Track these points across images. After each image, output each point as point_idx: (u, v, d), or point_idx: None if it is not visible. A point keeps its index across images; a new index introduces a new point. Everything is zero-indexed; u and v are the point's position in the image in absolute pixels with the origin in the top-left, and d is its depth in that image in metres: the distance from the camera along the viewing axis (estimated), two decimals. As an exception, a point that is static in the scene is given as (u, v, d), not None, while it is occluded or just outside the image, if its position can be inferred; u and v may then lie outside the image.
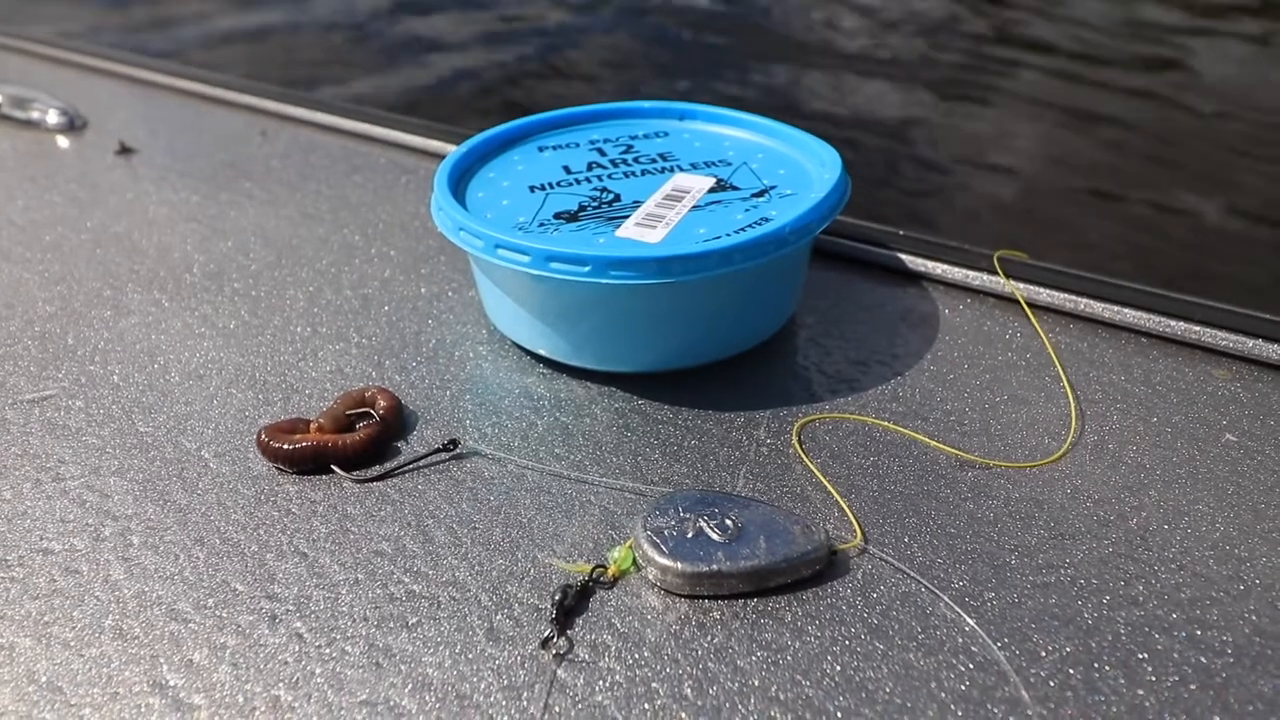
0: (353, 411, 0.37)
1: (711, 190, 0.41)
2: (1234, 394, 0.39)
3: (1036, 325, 0.43)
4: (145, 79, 0.78)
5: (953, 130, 1.11)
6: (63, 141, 0.67)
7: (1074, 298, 0.43)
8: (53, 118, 0.69)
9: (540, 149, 0.46)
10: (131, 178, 0.61)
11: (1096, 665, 0.27)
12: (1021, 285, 0.45)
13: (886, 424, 0.37)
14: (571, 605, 0.29)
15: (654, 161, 0.45)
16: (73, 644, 0.29)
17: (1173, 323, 0.42)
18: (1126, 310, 0.42)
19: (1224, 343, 0.41)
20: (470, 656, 0.28)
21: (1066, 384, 0.39)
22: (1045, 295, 0.44)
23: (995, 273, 0.45)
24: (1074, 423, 0.37)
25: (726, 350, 0.40)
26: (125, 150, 0.64)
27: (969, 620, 0.28)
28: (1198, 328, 0.41)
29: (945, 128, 1.12)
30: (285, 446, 0.35)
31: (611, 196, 0.41)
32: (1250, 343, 0.40)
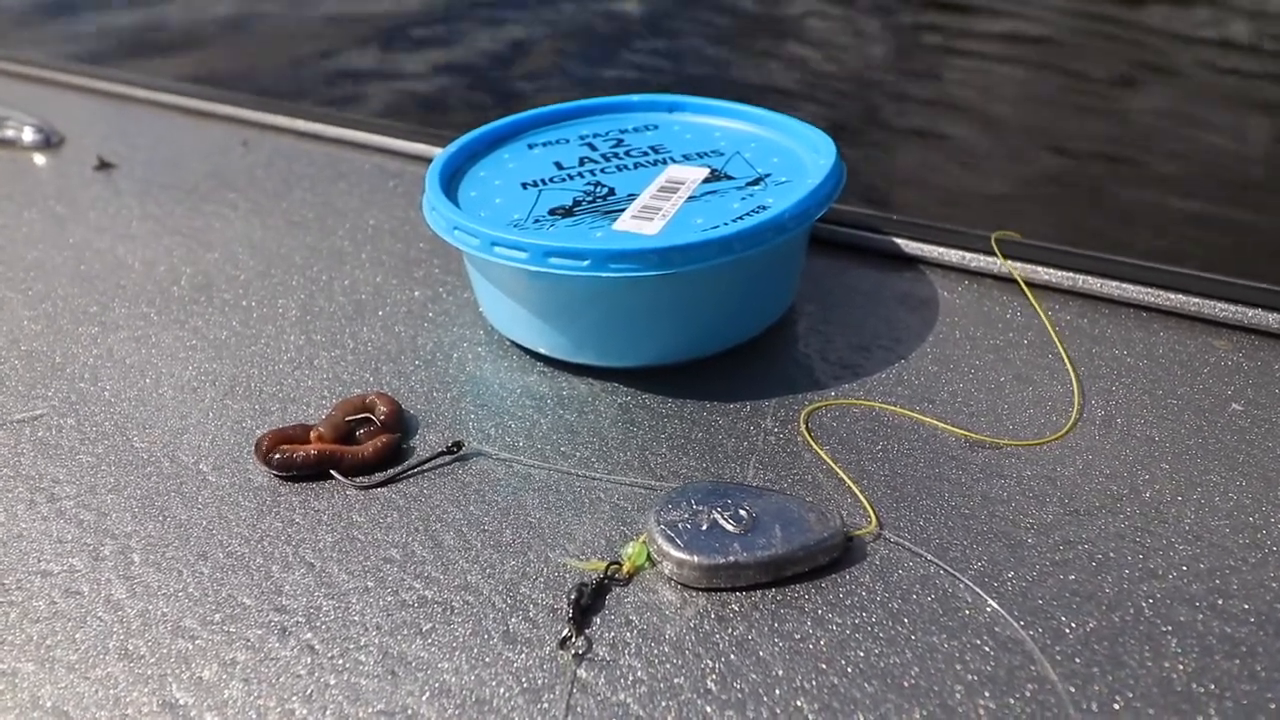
0: (352, 418, 0.37)
1: (706, 181, 0.41)
2: (1237, 364, 0.39)
3: (1035, 304, 0.43)
4: (121, 93, 0.77)
5: (943, 115, 1.12)
6: (39, 159, 0.66)
7: (1072, 275, 0.43)
8: (28, 135, 0.68)
9: (530, 146, 0.46)
10: (112, 193, 0.60)
11: (1121, 640, 0.27)
12: (1019, 265, 0.45)
13: (893, 408, 0.37)
14: (588, 604, 0.29)
15: (646, 154, 0.44)
16: (77, 667, 0.28)
17: (1172, 296, 0.42)
18: (1125, 285, 0.42)
19: (1223, 313, 0.41)
20: (488, 660, 0.27)
21: (1067, 361, 0.39)
22: (1044, 274, 0.44)
23: (992, 254, 0.45)
24: (1078, 399, 0.37)
25: (728, 341, 0.40)
26: (104, 165, 0.63)
27: (990, 601, 0.28)
28: (1196, 300, 0.41)
29: (936, 114, 1.12)
30: (295, 457, 0.34)
31: (605, 190, 0.41)
32: (1250, 312, 0.40)
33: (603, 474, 0.34)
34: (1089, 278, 0.43)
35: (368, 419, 0.37)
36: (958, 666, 0.26)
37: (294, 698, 0.26)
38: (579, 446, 0.36)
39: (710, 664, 0.27)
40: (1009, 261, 0.45)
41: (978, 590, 0.29)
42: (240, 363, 0.42)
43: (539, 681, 0.27)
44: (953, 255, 0.46)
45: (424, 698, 0.26)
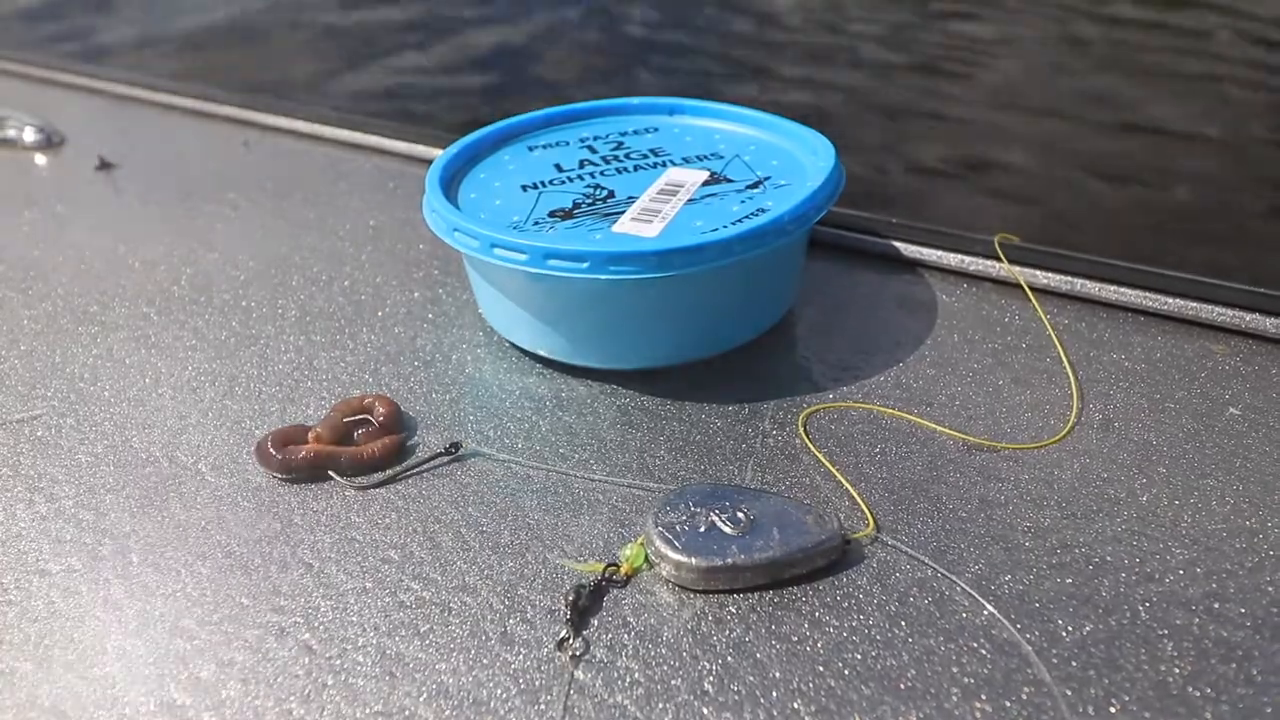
0: (351, 419, 0.37)
1: (705, 183, 0.41)
2: (1234, 368, 0.39)
3: (1037, 306, 0.43)
4: (122, 93, 0.77)
5: (942, 118, 1.12)
6: (40, 159, 0.66)
7: (1070, 279, 0.43)
8: (29, 135, 0.68)
9: (530, 148, 0.46)
10: (113, 192, 0.60)
11: (1118, 644, 0.27)
12: (1018, 268, 0.45)
13: (891, 411, 0.37)
14: (585, 605, 0.29)
15: (645, 157, 0.44)
16: (76, 666, 0.28)
17: (1170, 300, 0.42)
18: (1123, 289, 0.42)
19: (1221, 318, 0.41)
20: (485, 661, 0.27)
21: (1067, 364, 0.39)
22: (1042, 277, 0.44)
23: (991, 257, 0.45)
24: (1076, 403, 0.37)
25: (727, 343, 0.40)
26: (105, 165, 0.63)
27: (987, 604, 0.28)
28: (1194, 304, 0.41)
29: (934, 115, 1.12)
30: (293, 457, 0.34)
31: (605, 193, 0.41)
32: (1248, 317, 0.40)
33: (601, 476, 0.34)
34: (1087, 281, 0.43)
35: (366, 420, 0.37)
36: (954, 669, 0.26)
37: (292, 698, 0.27)
38: (578, 448, 0.36)
39: (707, 665, 0.27)
40: (1009, 265, 0.45)
41: (974, 594, 0.29)
42: (240, 363, 0.42)
43: (536, 683, 0.27)
44: (951, 259, 0.46)
45: (421, 699, 0.26)
